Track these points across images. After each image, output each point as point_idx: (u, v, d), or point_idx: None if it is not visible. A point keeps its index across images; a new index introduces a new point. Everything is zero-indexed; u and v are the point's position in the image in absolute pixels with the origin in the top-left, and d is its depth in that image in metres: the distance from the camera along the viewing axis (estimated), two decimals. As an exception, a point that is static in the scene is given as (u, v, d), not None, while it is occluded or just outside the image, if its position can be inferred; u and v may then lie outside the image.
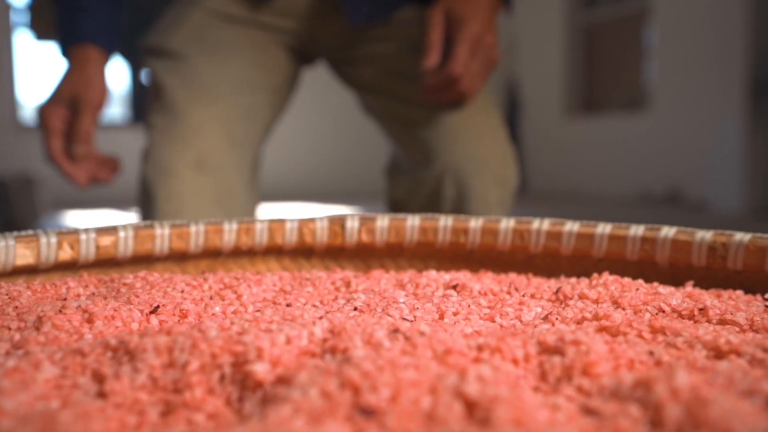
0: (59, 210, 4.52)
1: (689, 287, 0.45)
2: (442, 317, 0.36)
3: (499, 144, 0.89)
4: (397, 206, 0.94)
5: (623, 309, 0.39)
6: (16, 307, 0.36)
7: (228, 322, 0.30)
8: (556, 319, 0.37)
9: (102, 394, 0.26)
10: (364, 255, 0.54)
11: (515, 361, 0.27)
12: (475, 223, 0.54)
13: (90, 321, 0.33)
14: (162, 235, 0.49)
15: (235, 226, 0.51)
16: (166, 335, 0.28)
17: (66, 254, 0.46)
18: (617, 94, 4.91)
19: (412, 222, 0.54)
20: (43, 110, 0.80)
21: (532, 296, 0.43)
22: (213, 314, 0.37)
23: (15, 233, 0.45)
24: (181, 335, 0.27)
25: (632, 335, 0.32)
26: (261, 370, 0.25)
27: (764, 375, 0.26)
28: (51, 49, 5.76)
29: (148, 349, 0.27)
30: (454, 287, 0.44)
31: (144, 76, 0.89)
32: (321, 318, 0.32)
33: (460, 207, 0.87)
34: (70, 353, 0.28)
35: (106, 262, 0.48)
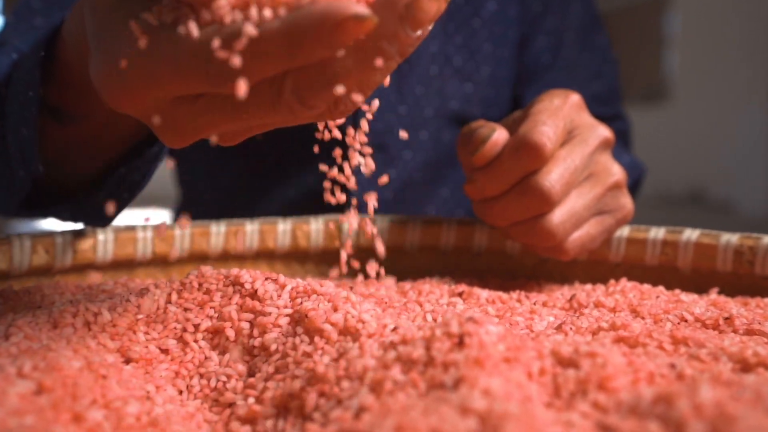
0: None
1: (713, 294, 0.45)
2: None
3: None
4: None
5: (642, 318, 0.39)
6: (-13, 316, 0.36)
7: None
8: (570, 329, 0.37)
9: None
10: (363, 259, 0.54)
11: (529, 375, 0.27)
12: (481, 225, 0.54)
13: (66, 331, 0.33)
14: (144, 239, 0.49)
15: (223, 228, 0.51)
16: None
17: (41, 259, 0.46)
18: (635, 86, 4.91)
19: (414, 224, 0.54)
20: None
21: (544, 304, 0.43)
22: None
23: (-15, 236, 0.45)
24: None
25: (652, 346, 0.32)
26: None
27: (795, 389, 0.26)
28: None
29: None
30: (460, 294, 0.44)
31: None
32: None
33: None
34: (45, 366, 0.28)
35: (84, 268, 0.48)
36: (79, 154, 0.46)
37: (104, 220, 0.49)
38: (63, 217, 0.51)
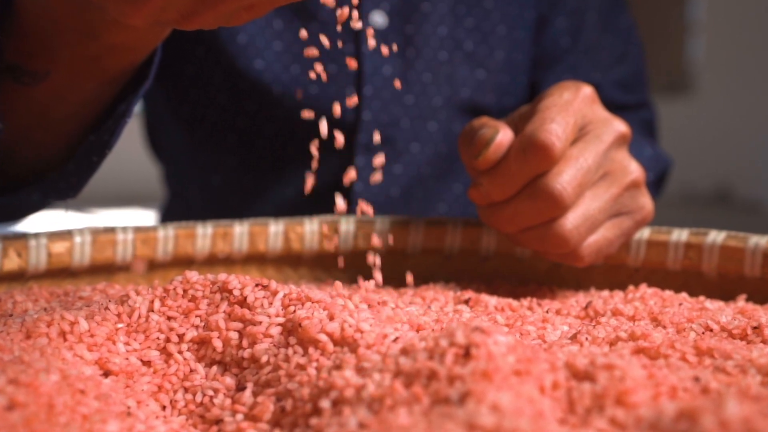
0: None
1: (741, 302, 0.45)
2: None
3: None
4: None
5: (664, 327, 0.39)
6: (-46, 326, 0.36)
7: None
8: (586, 339, 0.37)
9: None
10: (361, 263, 0.54)
11: (542, 389, 0.27)
12: (488, 227, 0.54)
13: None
14: (124, 241, 0.49)
15: (210, 230, 0.51)
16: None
17: (12, 263, 0.46)
18: (656, 76, 4.90)
19: (417, 224, 0.54)
20: None
21: (558, 312, 0.43)
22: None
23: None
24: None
25: (674, 358, 0.32)
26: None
27: (829, 405, 0.26)
28: None
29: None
30: (466, 301, 0.44)
31: None
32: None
33: None
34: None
35: (59, 273, 0.48)
36: (44, 124, 0.46)
37: (75, 191, 0.50)
38: (32, 200, 0.50)
